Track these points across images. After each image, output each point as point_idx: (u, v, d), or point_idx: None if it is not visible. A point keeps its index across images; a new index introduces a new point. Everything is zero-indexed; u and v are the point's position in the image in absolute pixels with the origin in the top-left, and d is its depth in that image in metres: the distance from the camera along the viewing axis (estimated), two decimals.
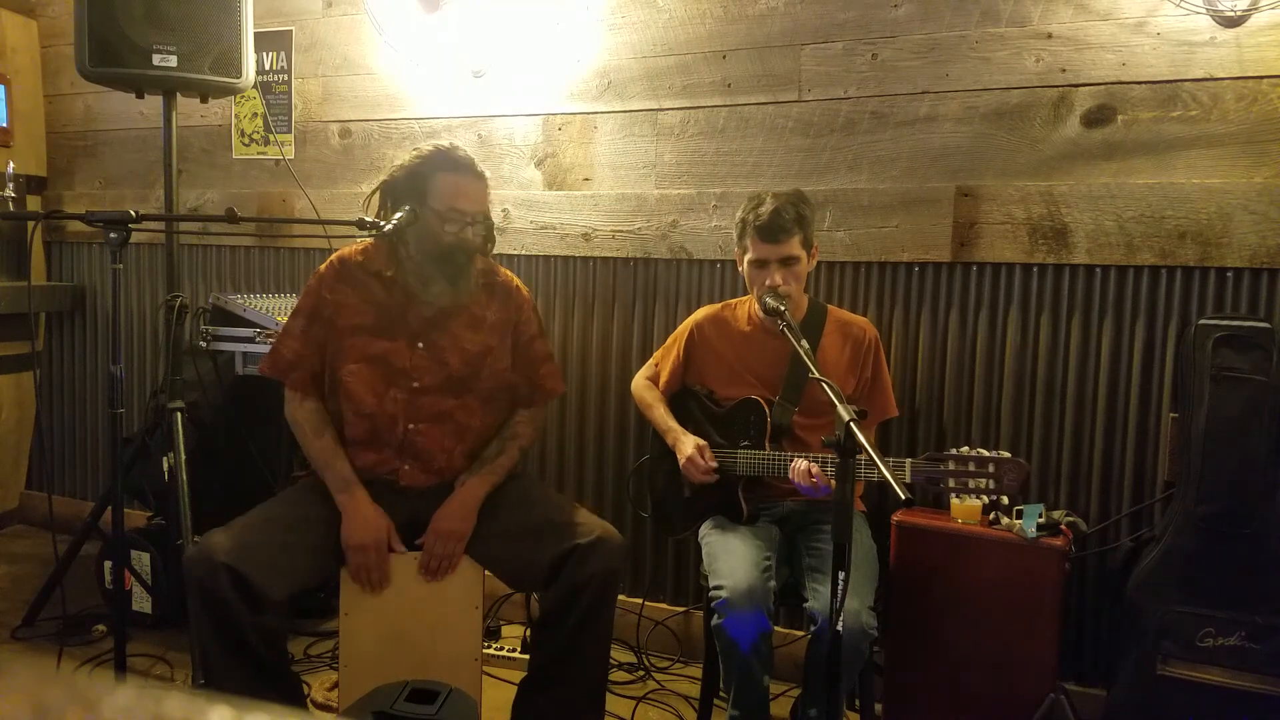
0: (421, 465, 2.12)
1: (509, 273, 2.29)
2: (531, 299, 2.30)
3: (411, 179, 2.05)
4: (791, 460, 2.10)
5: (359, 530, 1.98)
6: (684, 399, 2.38)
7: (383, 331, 2.10)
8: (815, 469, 2.04)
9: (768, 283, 2.14)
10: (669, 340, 2.48)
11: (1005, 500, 2.06)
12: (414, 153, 2.09)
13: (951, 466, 1.96)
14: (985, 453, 1.97)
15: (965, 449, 2.01)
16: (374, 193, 2.12)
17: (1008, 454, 1.97)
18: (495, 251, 2.94)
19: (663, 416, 2.34)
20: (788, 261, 2.15)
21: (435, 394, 2.12)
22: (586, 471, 2.98)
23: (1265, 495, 2.03)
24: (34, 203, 3.72)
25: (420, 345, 2.11)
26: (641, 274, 2.88)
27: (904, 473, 1.99)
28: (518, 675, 2.14)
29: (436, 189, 2.04)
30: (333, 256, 2.16)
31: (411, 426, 2.10)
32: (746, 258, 2.20)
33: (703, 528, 2.26)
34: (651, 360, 2.51)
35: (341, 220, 2.39)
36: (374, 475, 2.10)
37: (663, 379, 2.41)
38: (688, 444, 2.23)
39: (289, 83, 3.33)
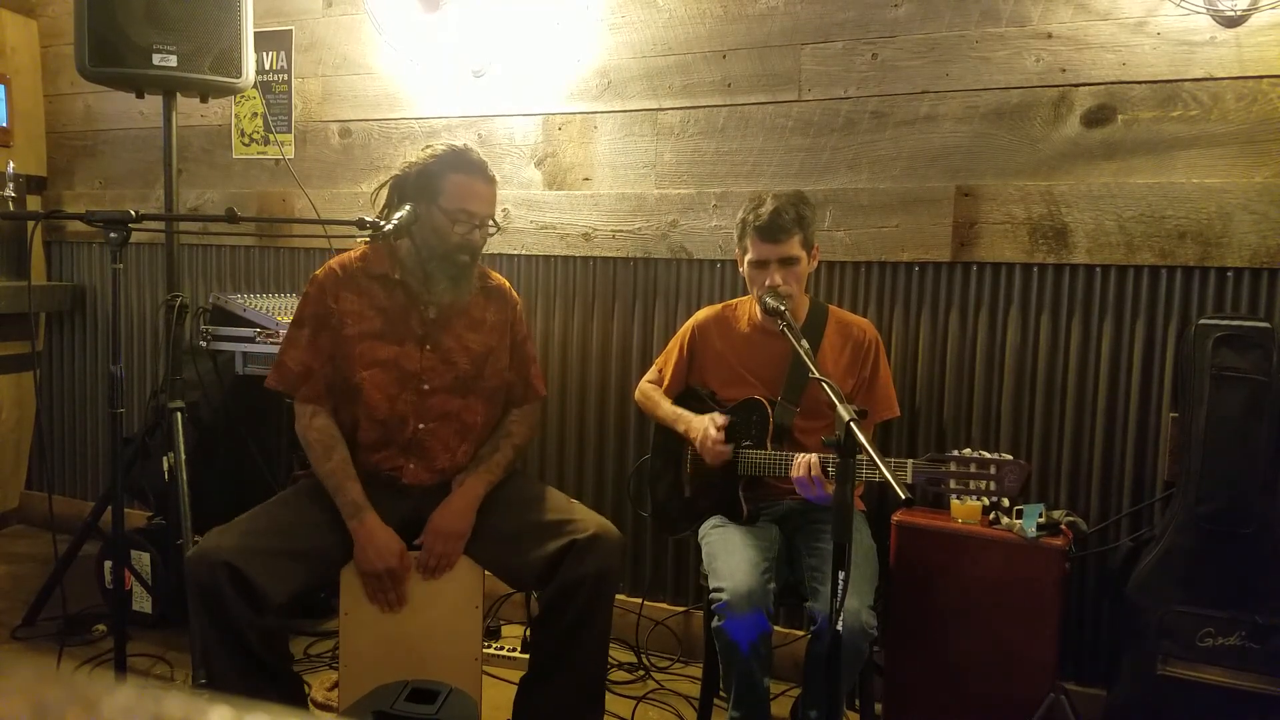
0: (425, 464, 2.12)
1: (499, 275, 2.31)
2: (520, 301, 2.32)
3: (423, 177, 2.05)
4: (794, 458, 2.09)
5: (373, 558, 1.98)
6: (686, 400, 2.38)
7: (390, 335, 2.10)
8: (815, 461, 2.03)
9: (767, 283, 2.14)
10: (670, 344, 2.48)
11: (1006, 502, 2.06)
12: (428, 150, 2.09)
13: (953, 468, 1.96)
14: (987, 454, 1.97)
15: (967, 451, 2.00)
16: (383, 186, 2.13)
17: (1009, 456, 1.97)
18: (495, 251, 2.97)
19: (669, 409, 2.34)
20: (787, 261, 2.15)
21: (443, 394, 2.12)
22: (586, 471, 2.98)
23: (1265, 495, 2.03)
24: (34, 202, 3.72)
25: (428, 347, 2.11)
26: (641, 274, 2.88)
27: (906, 473, 1.99)
28: (518, 675, 2.14)
29: (448, 189, 2.04)
30: (329, 263, 2.15)
31: (422, 426, 2.11)
32: (747, 258, 2.20)
33: (703, 527, 2.26)
34: (654, 366, 2.50)
35: (341, 220, 2.39)
36: (377, 472, 2.10)
37: (666, 380, 2.41)
38: (700, 424, 2.22)
39: (289, 82, 3.33)
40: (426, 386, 2.11)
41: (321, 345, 2.09)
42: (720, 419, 2.19)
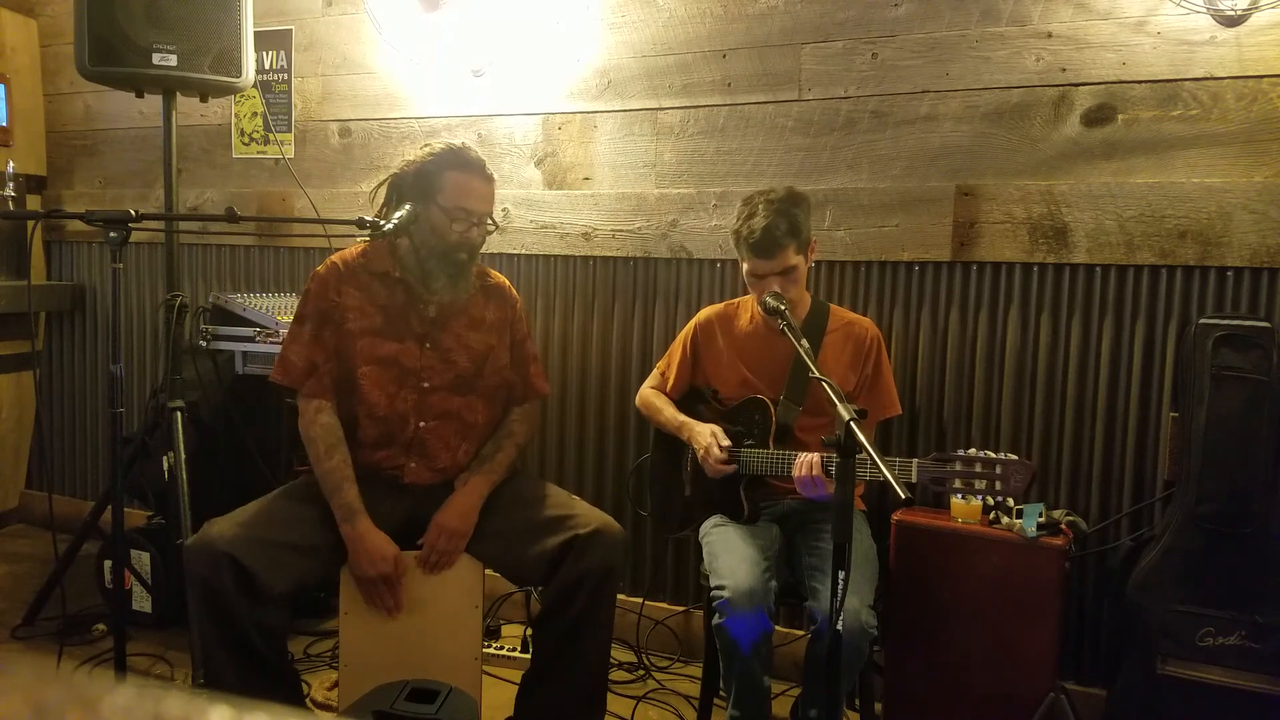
0: (427, 463, 2.13)
1: (498, 274, 2.31)
2: (521, 300, 2.32)
3: (421, 175, 2.06)
4: (796, 457, 2.09)
5: (365, 565, 1.97)
6: (690, 400, 2.38)
7: (390, 333, 2.10)
8: (817, 460, 2.03)
9: (765, 293, 2.15)
10: (672, 345, 2.47)
11: (1011, 501, 2.06)
12: (426, 149, 2.09)
13: (958, 467, 1.95)
14: (992, 454, 1.96)
15: (972, 451, 2.00)
16: (381, 185, 2.13)
17: (1014, 456, 1.96)
18: (495, 251, 2.97)
19: (673, 415, 2.33)
20: (786, 271, 2.15)
21: (443, 392, 2.13)
22: (586, 471, 2.98)
23: (1265, 495, 2.03)
24: (34, 202, 3.72)
25: (428, 345, 2.11)
26: (641, 273, 2.87)
27: (910, 472, 1.98)
28: (518, 675, 2.14)
29: (446, 187, 2.04)
30: (331, 259, 2.15)
31: (422, 424, 2.11)
32: (744, 268, 2.20)
33: (704, 526, 2.26)
34: (656, 370, 2.50)
35: (341, 219, 2.38)
36: (379, 471, 2.10)
37: (671, 381, 2.41)
38: (704, 434, 2.21)
39: (289, 82, 3.33)
40: (427, 385, 2.11)
41: (325, 340, 2.09)
42: (725, 439, 2.18)
